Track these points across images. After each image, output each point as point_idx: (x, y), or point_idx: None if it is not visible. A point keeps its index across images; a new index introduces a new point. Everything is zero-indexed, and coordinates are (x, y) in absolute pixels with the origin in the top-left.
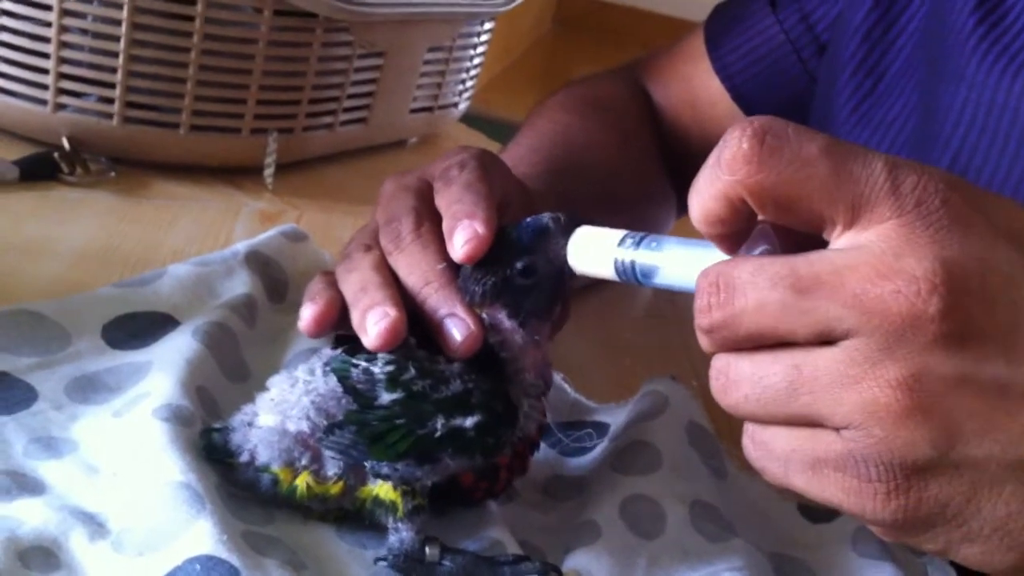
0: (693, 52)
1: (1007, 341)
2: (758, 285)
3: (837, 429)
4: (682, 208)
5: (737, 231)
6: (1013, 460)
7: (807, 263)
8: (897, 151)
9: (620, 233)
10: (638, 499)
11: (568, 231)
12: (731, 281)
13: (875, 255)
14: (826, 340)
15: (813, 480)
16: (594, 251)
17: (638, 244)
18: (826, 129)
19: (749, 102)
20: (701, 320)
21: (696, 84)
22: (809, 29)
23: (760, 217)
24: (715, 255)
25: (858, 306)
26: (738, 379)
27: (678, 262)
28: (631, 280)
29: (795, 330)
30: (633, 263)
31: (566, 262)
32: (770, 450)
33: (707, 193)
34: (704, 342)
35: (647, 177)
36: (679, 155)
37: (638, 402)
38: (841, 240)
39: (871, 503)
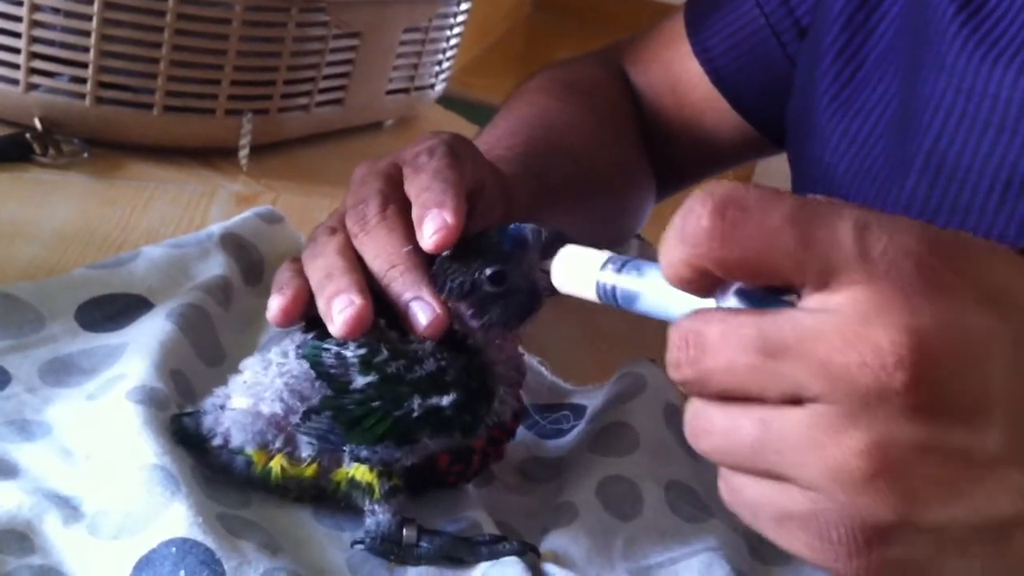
0: (673, 36)
1: (974, 410)
2: (727, 346)
3: (803, 487)
4: (662, 192)
5: (717, 280)
6: (977, 523)
7: (776, 326)
8: (877, 138)
9: (604, 256)
10: (615, 480)
11: (549, 248)
12: (701, 340)
13: (843, 321)
14: (795, 400)
15: (780, 532)
16: (577, 272)
17: (620, 269)
18: (807, 115)
19: (729, 86)
20: (673, 374)
21: (676, 68)
22: (790, 13)
23: None
24: None
25: (824, 375)
26: (709, 428)
27: (659, 291)
28: (612, 303)
29: (764, 390)
30: (614, 288)
31: (539, 279)
32: (741, 497)
33: (674, 259)
34: (682, 388)
35: (626, 160)
36: (659, 139)
37: (615, 384)
38: (812, 300)
39: (834, 562)
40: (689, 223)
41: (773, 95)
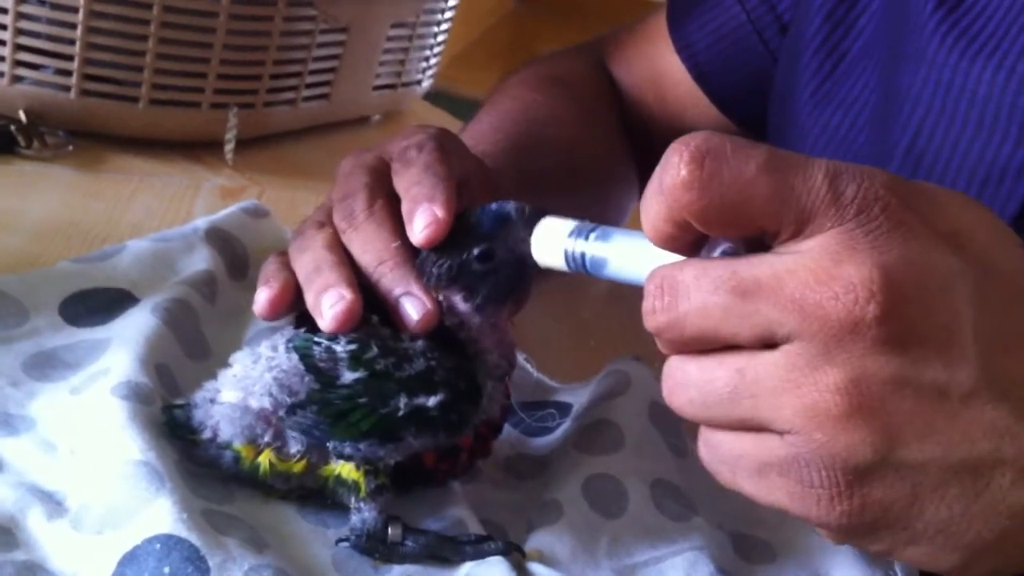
0: (655, 31)
1: (945, 345)
2: (701, 288)
3: (781, 433)
4: (644, 186)
5: (696, 239)
6: (955, 463)
7: (748, 266)
8: (857, 131)
9: (572, 223)
10: (600, 478)
11: (531, 221)
12: (675, 284)
13: (815, 260)
14: (769, 344)
15: (760, 485)
16: (548, 243)
17: (588, 235)
18: (788, 109)
19: (711, 82)
20: (647, 322)
21: (659, 63)
22: (771, 9)
23: None
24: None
25: (798, 311)
26: (685, 382)
27: (628, 255)
28: (581, 271)
29: (737, 333)
30: (583, 254)
31: (527, 252)
32: (719, 454)
33: (655, 216)
34: (659, 344)
35: (610, 154)
36: (642, 133)
37: (601, 381)
38: (785, 247)
39: (815, 508)
40: (668, 175)
41: (755, 91)
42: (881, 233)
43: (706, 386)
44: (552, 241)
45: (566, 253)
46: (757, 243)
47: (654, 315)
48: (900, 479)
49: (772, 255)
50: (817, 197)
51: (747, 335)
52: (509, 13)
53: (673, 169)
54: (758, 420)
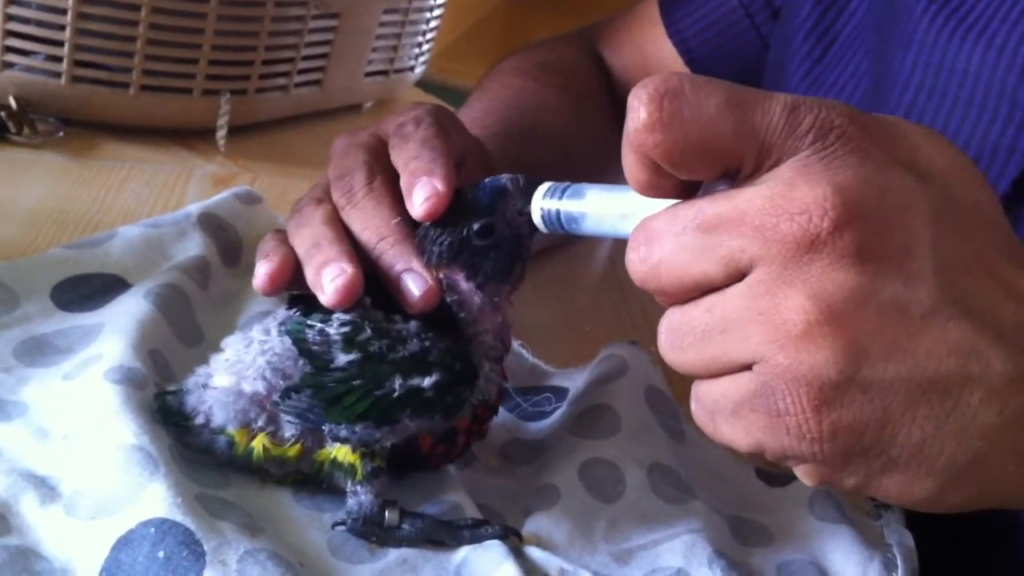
0: (648, 17)
1: (903, 262)
2: (671, 232)
3: (751, 368)
4: None
5: (682, 183)
6: (922, 381)
7: (711, 203)
8: None
9: (546, 184)
10: (597, 462)
11: (528, 193)
12: (649, 234)
13: (771, 188)
14: (737, 278)
15: (736, 426)
16: (534, 206)
17: (563, 193)
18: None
19: (703, 67)
20: (632, 276)
21: (650, 49)
22: None
23: None
24: (638, 198)
25: (757, 236)
26: (668, 328)
27: (602, 208)
28: (557, 230)
29: (707, 271)
30: (558, 212)
31: (524, 224)
32: (703, 405)
33: (628, 164)
34: (645, 288)
35: (601, 139)
36: None
37: (597, 365)
38: (747, 182)
39: (786, 438)
40: (630, 120)
41: (746, 77)
42: (836, 157)
43: (683, 327)
44: (535, 205)
45: (542, 212)
46: None
47: (635, 267)
48: (869, 401)
49: (734, 190)
50: (775, 130)
51: (715, 271)
52: (502, 3)
53: (634, 113)
54: (730, 356)
